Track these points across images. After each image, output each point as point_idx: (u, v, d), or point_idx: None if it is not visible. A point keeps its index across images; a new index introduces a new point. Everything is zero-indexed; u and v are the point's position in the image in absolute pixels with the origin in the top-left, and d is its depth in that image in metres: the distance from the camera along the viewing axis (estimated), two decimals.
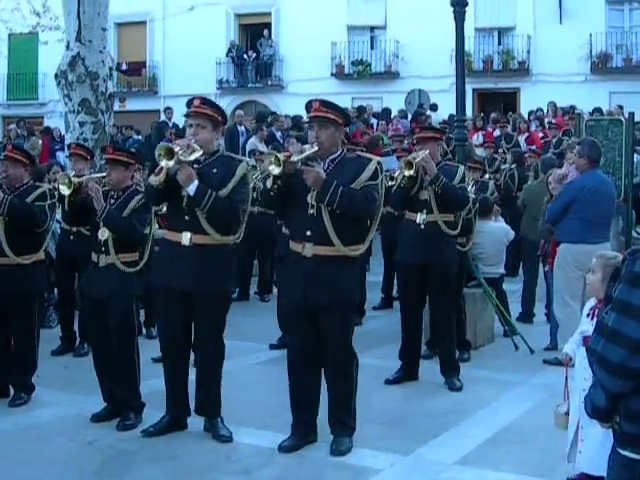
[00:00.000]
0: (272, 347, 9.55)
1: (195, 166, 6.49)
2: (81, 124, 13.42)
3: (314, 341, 6.45)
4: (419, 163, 8.15)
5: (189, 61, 32.40)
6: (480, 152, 18.96)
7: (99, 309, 7.12)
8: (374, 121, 24.66)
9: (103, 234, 7.07)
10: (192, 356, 6.96)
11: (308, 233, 6.29)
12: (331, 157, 6.44)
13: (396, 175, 8.92)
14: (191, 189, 6.37)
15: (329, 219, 6.24)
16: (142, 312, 10.53)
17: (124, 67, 34.42)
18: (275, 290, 11.96)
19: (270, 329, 9.58)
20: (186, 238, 6.53)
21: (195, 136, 6.55)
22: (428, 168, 8.16)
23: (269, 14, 34.19)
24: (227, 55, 33.88)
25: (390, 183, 9.17)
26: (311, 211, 6.30)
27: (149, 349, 8.61)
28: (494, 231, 10.76)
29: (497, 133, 22.19)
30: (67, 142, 14.16)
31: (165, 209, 7.10)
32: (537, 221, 10.42)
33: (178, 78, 32.59)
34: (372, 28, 33.27)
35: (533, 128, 22.78)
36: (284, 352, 7.12)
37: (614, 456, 3.34)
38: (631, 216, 13.82)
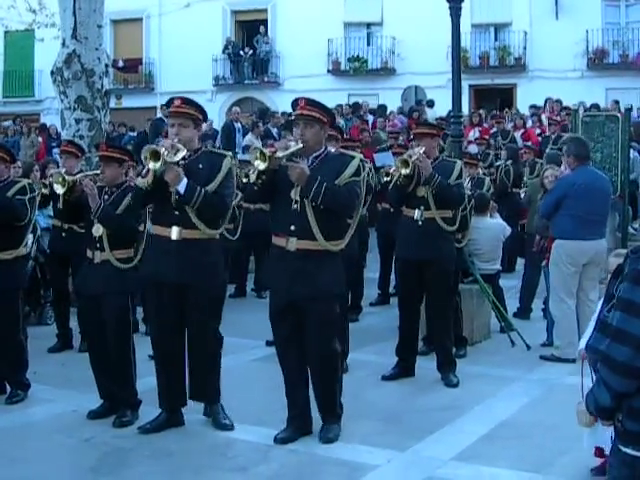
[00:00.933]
0: (268, 344, 9.53)
1: (181, 163, 6.56)
2: (77, 121, 13.41)
3: (299, 335, 6.57)
4: (414, 162, 8.16)
5: (185, 58, 32.38)
6: (472, 148, 18.93)
7: (94, 306, 7.13)
8: (370, 118, 24.66)
9: (97, 230, 7.08)
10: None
11: (292, 228, 6.40)
12: (315, 154, 6.56)
13: (392, 171, 8.93)
14: (181, 187, 6.49)
15: (312, 214, 6.35)
16: (140, 309, 10.55)
17: (120, 64, 34.35)
18: None
19: (267, 326, 9.55)
20: (175, 233, 6.61)
21: (178, 135, 6.65)
22: (423, 167, 8.16)
23: (265, 10, 34.17)
24: (223, 52, 33.86)
25: (385, 179, 9.19)
26: (295, 206, 6.40)
27: (147, 346, 8.61)
28: (490, 227, 10.76)
29: (493, 129, 22.19)
30: (63, 139, 14.15)
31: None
32: None
33: (174, 75, 32.60)
34: (368, 24, 33.26)
35: (529, 124, 22.77)
36: None
37: (615, 453, 3.34)
38: (627, 212, 13.83)
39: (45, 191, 8.03)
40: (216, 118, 27.40)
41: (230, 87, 34.13)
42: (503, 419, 7.24)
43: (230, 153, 7.26)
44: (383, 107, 25.72)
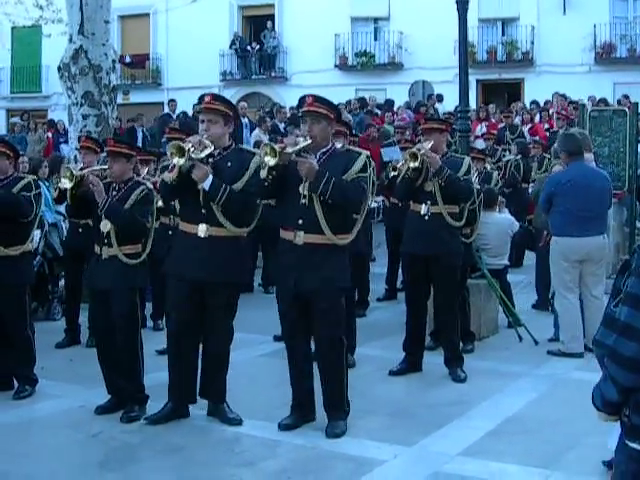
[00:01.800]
0: (276, 339, 9.54)
1: (210, 160, 6.63)
2: (84, 117, 13.42)
3: (306, 327, 6.67)
4: (423, 155, 8.16)
5: (192, 53, 32.42)
6: (479, 143, 18.90)
7: (102, 301, 7.13)
8: (378, 112, 24.63)
9: (105, 226, 7.08)
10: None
11: (300, 222, 6.48)
12: (322, 150, 6.63)
13: (399, 165, 8.92)
14: (206, 185, 6.55)
15: (320, 209, 6.43)
16: (149, 305, 10.57)
17: (127, 60, 34.38)
18: None
19: (274, 321, 9.55)
20: (202, 230, 6.67)
21: (207, 131, 6.70)
22: (431, 160, 8.17)
23: (272, 6, 34.16)
24: (230, 47, 33.86)
25: (393, 174, 9.18)
26: (303, 201, 6.48)
27: (155, 341, 8.63)
28: (498, 222, 10.75)
29: (501, 124, 22.15)
30: (70, 135, 14.17)
31: (160, 203, 7.16)
32: None
33: (181, 70, 32.64)
34: (375, 19, 33.24)
35: (537, 119, 22.73)
36: None
37: (622, 449, 3.32)
38: (635, 207, 13.79)
39: (62, 186, 8.02)
40: None
41: (237, 82, 34.15)
42: (510, 414, 7.23)
43: (259, 151, 7.28)
44: (390, 102, 25.69)
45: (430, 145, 8.25)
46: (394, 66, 32.18)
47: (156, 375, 7.22)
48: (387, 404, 7.53)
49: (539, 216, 10.13)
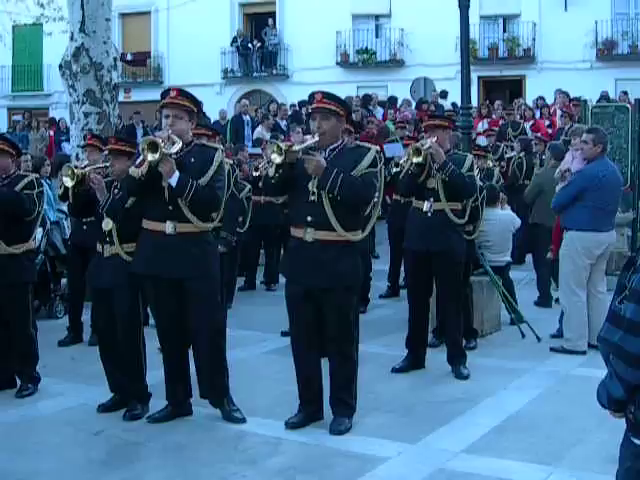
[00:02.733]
0: (283, 334, 9.51)
1: (173, 156, 6.57)
2: (86, 115, 13.42)
3: (316, 324, 6.62)
4: (427, 150, 8.16)
5: (194, 51, 32.41)
6: (482, 140, 18.87)
7: (104, 299, 7.14)
8: (380, 109, 24.61)
9: (107, 225, 7.07)
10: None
11: (309, 219, 6.45)
12: (332, 146, 6.61)
13: (402, 162, 8.91)
14: (173, 180, 6.49)
15: (329, 205, 6.40)
16: None
17: (129, 57, 34.40)
18: (282, 279, 11.96)
19: (277, 318, 9.57)
20: (170, 227, 6.62)
21: (172, 127, 6.64)
22: (436, 155, 8.16)
23: (273, 3, 34.18)
24: (232, 45, 33.87)
25: (395, 169, 9.17)
26: (312, 198, 6.45)
27: (157, 339, 8.61)
28: (500, 219, 10.74)
29: (502, 121, 22.11)
30: (72, 133, 14.17)
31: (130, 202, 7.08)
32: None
33: (183, 68, 32.62)
34: (377, 16, 33.26)
35: (538, 116, 22.70)
36: None
37: (628, 446, 3.32)
38: (637, 204, 13.76)
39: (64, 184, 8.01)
40: (226, 111, 27.35)
41: (239, 80, 34.16)
42: (514, 411, 7.23)
43: (221, 146, 7.29)
44: (393, 98, 25.67)
45: (434, 140, 8.25)
46: (395, 63, 32.18)
47: (158, 372, 7.22)
48: (390, 401, 7.53)
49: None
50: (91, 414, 7.13)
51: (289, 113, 23.11)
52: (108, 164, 7.50)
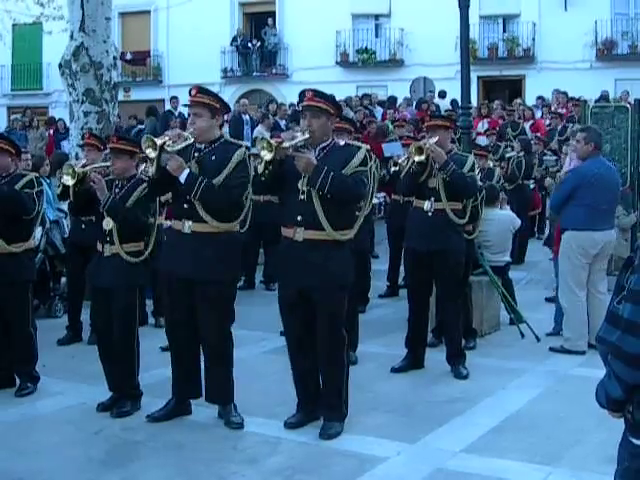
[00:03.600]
0: (282, 333, 9.50)
1: (196, 154, 6.59)
2: (85, 114, 13.42)
3: (308, 324, 6.58)
4: (428, 149, 8.15)
5: (193, 50, 32.41)
6: (482, 140, 18.88)
7: (103, 298, 7.15)
8: (379, 109, 24.62)
9: (108, 224, 7.08)
10: None
11: (299, 218, 6.40)
12: (322, 145, 6.56)
13: (400, 161, 8.92)
14: (182, 177, 6.46)
15: (319, 204, 6.34)
16: (151, 302, 10.56)
17: (128, 57, 34.40)
18: None
19: (276, 318, 9.55)
20: (186, 226, 6.61)
21: (193, 125, 6.66)
22: (437, 155, 8.16)
23: (273, 2, 34.22)
24: (231, 44, 33.89)
25: (394, 169, 9.16)
26: (302, 196, 6.41)
27: (158, 339, 8.61)
28: (500, 219, 10.74)
29: (502, 121, 22.14)
30: (71, 132, 14.17)
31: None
32: None
33: (182, 67, 32.62)
34: (376, 16, 33.29)
35: (538, 115, 22.72)
36: None
37: (626, 445, 3.32)
38: (637, 204, 13.76)
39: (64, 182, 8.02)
40: None
41: (238, 79, 34.17)
42: (513, 411, 7.23)
43: (247, 143, 7.22)
44: (393, 98, 25.66)
45: (436, 140, 8.25)
46: (395, 63, 32.21)
47: (158, 372, 7.23)
48: (389, 401, 7.53)
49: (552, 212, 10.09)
50: (90, 413, 7.13)
51: (288, 112, 23.10)
52: (109, 163, 7.51)
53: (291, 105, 24.71)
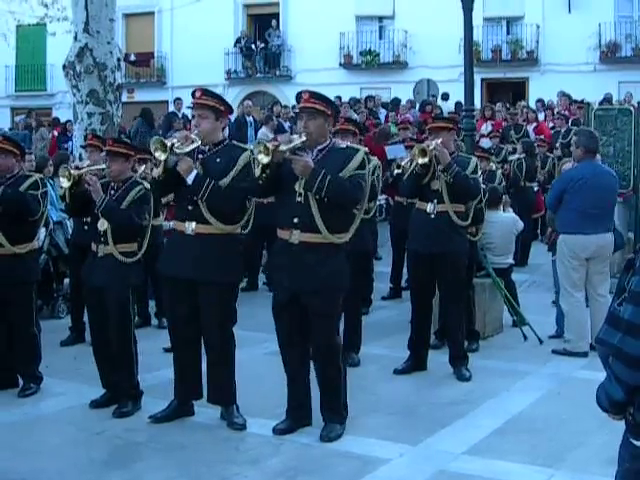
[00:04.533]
0: None
1: (200, 156, 6.61)
2: (89, 115, 13.43)
3: (300, 328, 6.57)
4: (432, 151, 8.15)
5: (197, 52, 32.39)
6: (485, 142, 18.86)
7: (97, 297, 7.19)
8: (383, 111, 24.61)
9: (102, 225, 7.15)
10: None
11: (295, 220, 6.38)
12: (319, 147, 6.53)
13: (403, 163, 8.93)
14: (190, 178, 6.50)
15: (316, 207, 6.32)
16: (154, 303, 10.57)
17: (132, 58, 34.42)
18: None
19: None
20: (190, 227, 6.63)
21: (197, 127, 6.68)
22: (441, 156, 8.16)
23: (277, 4, 34.17)
24: (235, 45, 33.89)
25: (397, 171, 9.15)
26: (298, 199, 6.38)
27: (161, 339, 8.62)
28: (503, 221, 10.74)
29: (505, 123, 22.11)
30: (75, 133, 14.17)
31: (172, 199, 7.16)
32: None
33: (186, 69, 32.60)
34: (380, 18, 33.25)
35: (542, 118, 22.70)
36: None
37: (627, 447, 3.32)
38: None
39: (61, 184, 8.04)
40: None
41: (242, 81, 34.17)
42: (515, 413, 7.23)
43: (251, 147, 7.24)
44: (396, 100, 25.65)
45: (439, 142, 8.25)
46: (399, 65, 32.18)
47: (160, 373, 7.24)
48: (392, 403, 7.53)
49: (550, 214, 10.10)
50: (93, 414, 7.15)
51: (292, 114, 23.09)
52: (104, 165, 7.56)
53: (294, 107, 24.69)
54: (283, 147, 6.29)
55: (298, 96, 6.63)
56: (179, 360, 6.94)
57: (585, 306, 9.24)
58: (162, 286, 7.04)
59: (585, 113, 13.98)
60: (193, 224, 6.62)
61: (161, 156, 6.40)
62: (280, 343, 6.78)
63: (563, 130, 19.69)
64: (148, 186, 7.32)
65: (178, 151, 6.44)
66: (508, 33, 31.62)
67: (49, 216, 10.44)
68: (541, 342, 9.74)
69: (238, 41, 33.85)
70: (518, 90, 30.99)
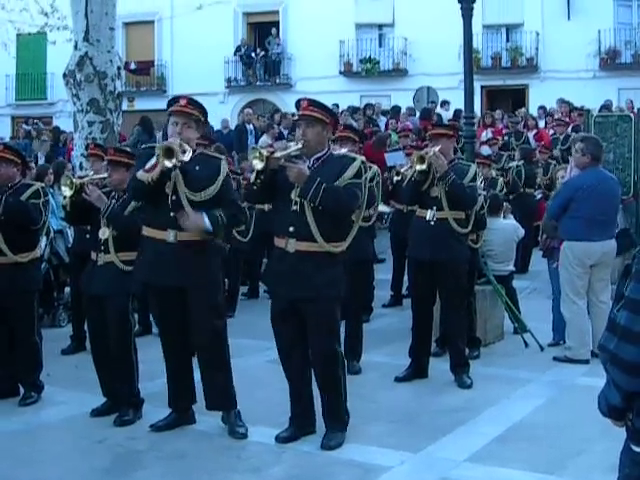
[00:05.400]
0: None
1: (177, 164, 6.54)
2: (90, 124, 13.42)
3: (299, 336, 6.57)
4: (430, 158, 8.16)
5: (197, 60, 32.44)
6: (485, 150, 18.89)
7: (96, 305, 7.20)
8: (383, 119, 24.63)
9: (104, 233, 7.15)
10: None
11: (291, 229, 6.37)
12: (317, 155, 6.52)
13: (403, 170, 8.93)
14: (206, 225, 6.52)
15: (312, 215, 6.31)
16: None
17: (132, 66, 34.46)
18: None
19: None
20: (171, 235, 6.58)
21: (180, 134, 6.62)
22: (438, 164, 8.16)
23: (277, 12, 34.24)
24: (235, 54, 33.94)
25: (396, 178, 9.15)
26: (294, 207, 6.37)
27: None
28: (504, 228, 10.74)
29: (505, 130, 22.14)
30: (75, 142, 14.17)
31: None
32: None
33: (186, 77, 32.63)
34: (380, 26, 33.30)
35: (542, 125, 22.72)
36: None
37: (627, 453, 3.32)
38: None
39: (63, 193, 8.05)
40: (228, 120, 27.46)
41: (242, 89, 34.21)
42: (517, 420, 7.22)
43: (224, 156, 7.29)
44: (396, 108, 25.66)
45: (438, 149, 8.25)
46: (399, 72, 32.22)
47: (162, 381, 7.21)
48: (393, 410, 7.53)
49: (547, 220, 10.07)
50: (94, 422, 7.15)
51: (292, 122, 23.13)
52: (106, 175, 7.56)
53: (294, 115, 24.71)
54: (278, 154, 6.29)
55: (297, 104, 6.64)
56: (172, 370, 6.95)
57: (587, 313, 9.24)
58: (149, 297, 7.01)
59: (585, 120, 13.99)
60: (175, 232, 6.55)
61: (168, 163, 6.32)
62: (280, 351, 6.78)
63: (562, 137, 19.71)
64: None
65: (182, 158, 6.37)
66: (508, 40, 31.67)
67: (50, 225, 10.45)
68: (542, 349, 9.74)
69: (238, 49, 33.89)
70: (518, 97, 31.02)
